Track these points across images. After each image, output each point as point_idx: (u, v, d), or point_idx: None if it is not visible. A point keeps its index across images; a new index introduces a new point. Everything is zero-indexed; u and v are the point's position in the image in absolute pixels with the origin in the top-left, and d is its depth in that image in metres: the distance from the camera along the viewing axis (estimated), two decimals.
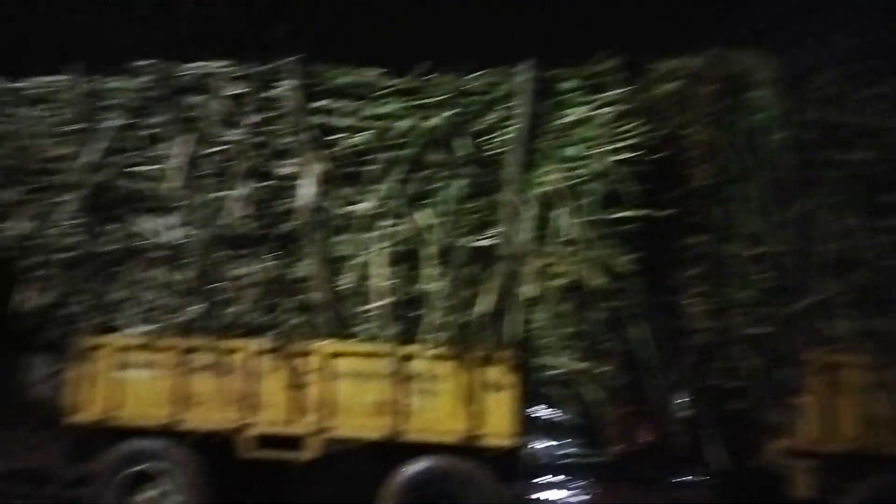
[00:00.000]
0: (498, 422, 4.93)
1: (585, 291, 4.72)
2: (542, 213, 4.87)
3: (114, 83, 5.68)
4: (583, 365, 4.70)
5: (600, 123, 4.91)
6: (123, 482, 5.42)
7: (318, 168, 5.22)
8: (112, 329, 5.58)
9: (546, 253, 4.82)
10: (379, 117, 5.16)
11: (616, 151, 4.84)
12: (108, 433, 5.51)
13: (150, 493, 5.44)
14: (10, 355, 6.23)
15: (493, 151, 5.09)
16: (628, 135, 4.87)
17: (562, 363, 4.75)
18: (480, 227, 5.04)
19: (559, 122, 4.98)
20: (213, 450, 5.38)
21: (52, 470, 5.86)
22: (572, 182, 4.82)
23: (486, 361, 4.95)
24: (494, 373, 4.95)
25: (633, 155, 4.83)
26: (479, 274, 5.01)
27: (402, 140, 5.11)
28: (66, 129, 5.69)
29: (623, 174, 4.81)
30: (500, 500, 4.99)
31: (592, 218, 4.78)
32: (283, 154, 5.36)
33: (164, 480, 5.42)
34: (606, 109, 4.93)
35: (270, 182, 5.37)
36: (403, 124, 5.10)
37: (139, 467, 5.44)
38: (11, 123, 5.83)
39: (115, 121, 5.59)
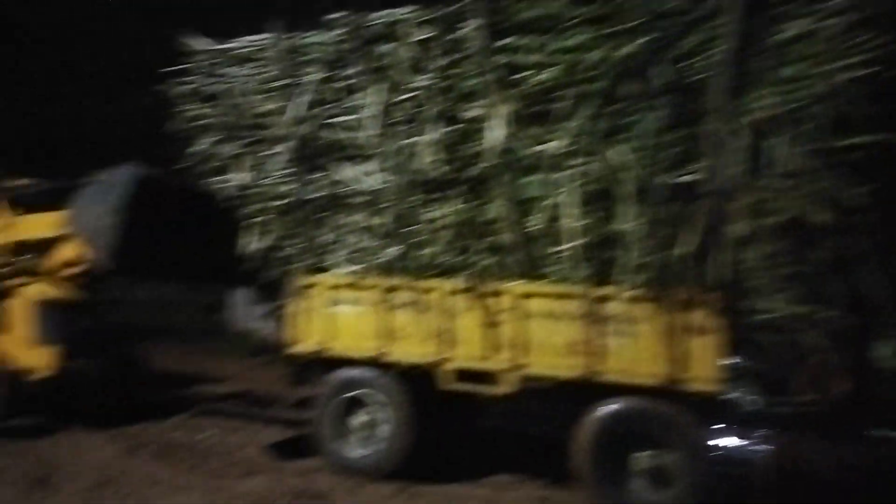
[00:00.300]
0: (702, 366, 4.71)
1: (807, 229, 4.25)
2: (755, 143, 4.41)
3: (311, 38, 5.94)
4: (804, 309, 4.29)
5: (826, 37, 4.28)
6: (339, 406, 6.00)
7: (505, 108, 5.13)
8: (323, 269, 6.06)
9: (759, 187, 4.39)
10: (567, 50, 4.91)
11: (845, 69, 4.20)
12: (324, 362, 6.10)
13: (363, 417, 5.97)
14: (235, 293, 6.91)
15: (696, 77, 4.65)
16: (860, 49, 4.20)
17: (778, 307, 4.37)
18: (681, 162, 4.70)
19: (775, 38, 4.40)
20: (417, 380, 5.75)
21: (275, 393, 6.65)
22: (792, 106, 4.29)
23: (689, 304, 4.71)
24: (698, 316, 4.70)
25: (865, 72, 4.17)
26: (680, 212, 4.70)
27: (592, 73, 4.84)
28: (273, 85, 6.11)
29: (853, 94, 4.19)
30: (702, 446, 4.82)
31: (816, 146, 4.24)
32: (470, 96, 5.34)
33: (374, 407, 5.91)
34: (833, 21, 4.27)
35: (459, 125, 5.40)
36: (594, 55, 4.82)
37: (352, 394, 5.98)
38: (224, 82, 6.36)
39: (314, 74, 5.89)
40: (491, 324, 5.43)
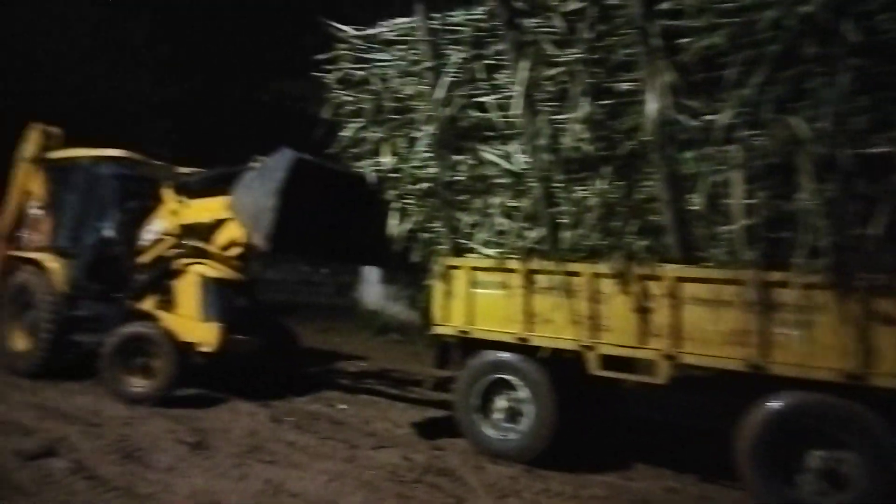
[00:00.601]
0: (891, 360, 4.18)
1: None
2: None
3: (456, 17, 5.86)
4: None
5: None
6: (482, 389, 5.97)
7: (663, 79, 4.78)
8: (467, 251, 6.03)
9: None
10: (739, 10, 4.47)
11: None
12: (466, 345, 6.08)
13: (505, 401, 5.89)
14: (366, 273, 7.10)
15: (891, 35, 4.08)
16: None
17: None
18: (871, 131, 4.15)
19: None
20: (561, 365, 5.58)
21: (408, 372, 6.73)
22: None
23: (879, 291, 4.18)
24: (888, 304, 4.16)
25: None
26: (869, 188, 4.17)
27: (767, 34, 4.37)
28: (418, 67, 6.11)
29: None
30: (889, 448, 4.27)
31: None
32: (624, 68, 5.02)
33: (517, 391, 5.82)
34: None
35: (611, 100, 5.10)
36: (770, 14, 4.35)
37: (495, 377, 5.91)
38: (372, 68, 6.45)
39: (459, 54, 5.81)
40: (643, 309, 5.15)
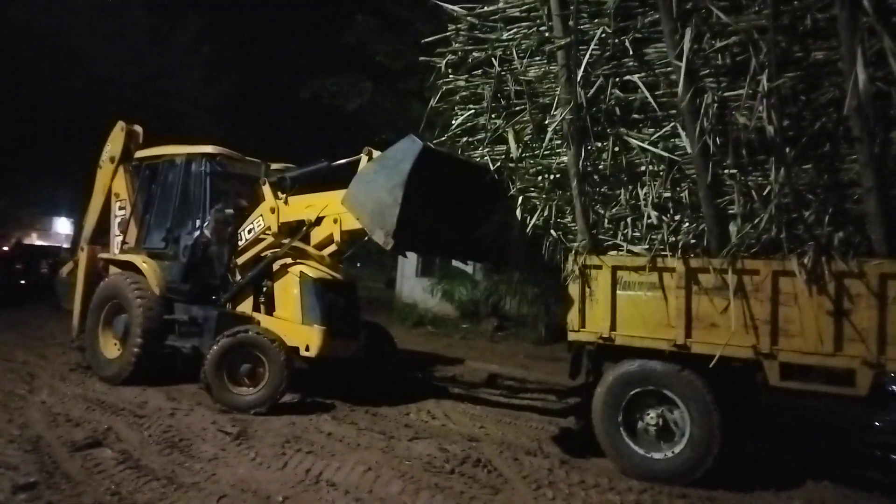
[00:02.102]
0: None
1: None
2: None
3: None
4: None
5: None
6: (629, 401, 5.31)
7: (871, 45, 4.10)
8: (609, 248, 5.38)
9: None
10: None
11: None
12: (609, 352, 5.43)
13: (658, 415, 5.24)
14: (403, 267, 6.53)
15: None
16: None
17: None
18: None
19: None
20: (725, 375, 4.91)
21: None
22: None
23: None
24: None
25: None
26: None
27: None
28: (548, 46, 5.48)
29: None
30: None
31: None
32: (817, 34, 4.34)
33: (673, 403, 5.16)
34: None
35: (799, 72, 4.43)
36: None
37: (646, 388, 5.25)
38: (490, 48, 5.84)
39: (599, 28, 5.17)
40: (838, 311, 4.46)
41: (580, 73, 5.17)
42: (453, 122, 6.08)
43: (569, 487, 4.79)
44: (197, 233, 7.32)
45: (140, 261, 7.54)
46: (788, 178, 4.52)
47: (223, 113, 14.62)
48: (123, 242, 8.06)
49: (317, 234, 6.88)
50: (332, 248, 7.02)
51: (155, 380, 7.15)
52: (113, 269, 7.99)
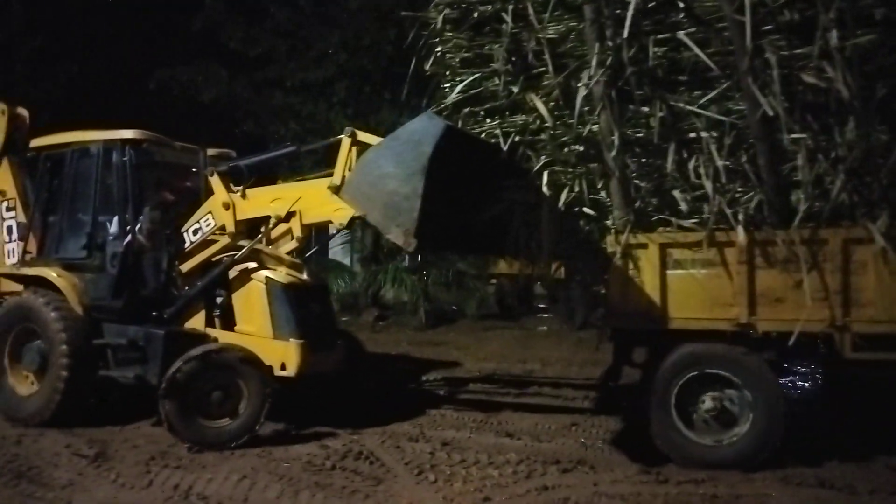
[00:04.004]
0: None
1: None
2: None
3: None
4: None
5: None
6: (684, 385, 4.69)
7: None
8: (656, 224, 4.71)
9: None
10: None
11: None
12: (658, 335, 4.78)
13: (716, 399, 4.64)
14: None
15: None
16: None
17: None
18: None
19: None
20: (788, 353, 4.48)
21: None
22: None
23: None
24: None
25: None
26: None
27: None
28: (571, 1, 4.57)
29: None
30: None
31: None
32: None
33: (733, 386, 4.61)
34: None
35: (867, 31, 3.99)
36: None
37: (703, 371, 4.66)
38: (500, 1, 4.83)
39: None
40: None
41: (626, 28, 4.38)
42: (446, 88, 5.14)
43: (450, 468, 4.71)
44: (128, 237, 5.68)
45: (54, 275, 5.81)
46: (862, 140, 4.03)
47: (59, 107, 11.73)
48: (24, 252, 6.24)
49: (285, 232, 5.67)
50: (291, 245, 5.77)
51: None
52: (7, 285, 6.25)
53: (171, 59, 14.54)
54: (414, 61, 5.33)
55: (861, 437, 5.04)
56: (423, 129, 4.30)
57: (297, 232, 5.53)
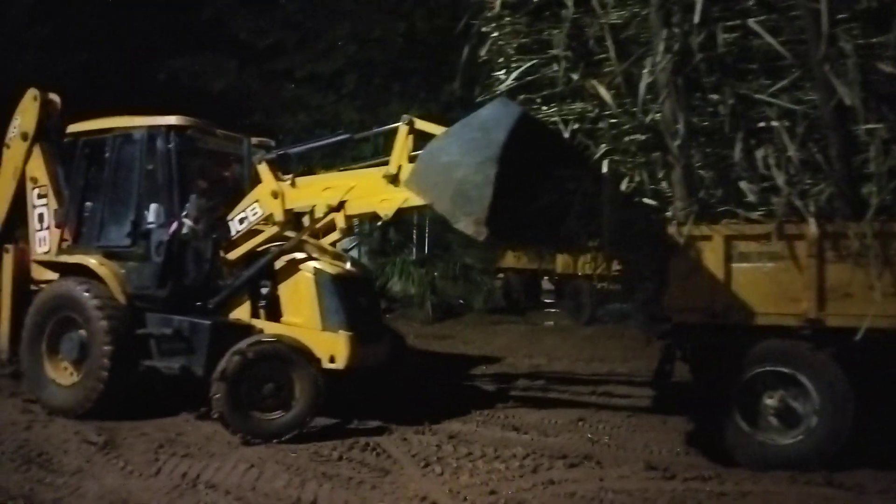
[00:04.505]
0: None
1: None
2: None
3: None
4: None
5: None
6: (745, 384, 4.54)
7: None
8: (720, 216, 4.53)
9: None
10: None
11: None
12: (718, 331, 4.61)
13: (779, 397, 4.50)
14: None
15: None
16: None
17: None
18: None
19: None
20: (859, 348, 4.27)
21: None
22: None
23: None
24: None
25: None
26: None
27: None
28: None
29: None
30: None
31: None
32: None
33: (798, 384, 4.47)
34: None
35: None
36: None
37: (766, 369, 4.52)
38: None
39: None
40: None
41: (696, 14, 4.21)
42: (501, 74, 4.93)
43: (457, 461, 4.67)
44: (173, 226, 5.43)
45: (95, 262, 5.56)
46: None
47: (68, 96, 11.43)
48: (61, 239, 5.96)
49: (333, 222, 5.36)
50: (334, 235, 5.55)
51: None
52: (42, 273, 5.99)
53: (181, 50, 14.35)
54: (466, 49, 5.12)
55: (871, 436, 4.83)
56: (496, 116, 4.13)
57: (341, 222, 5.31)
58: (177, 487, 4.16)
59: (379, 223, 5.38)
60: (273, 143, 6.23)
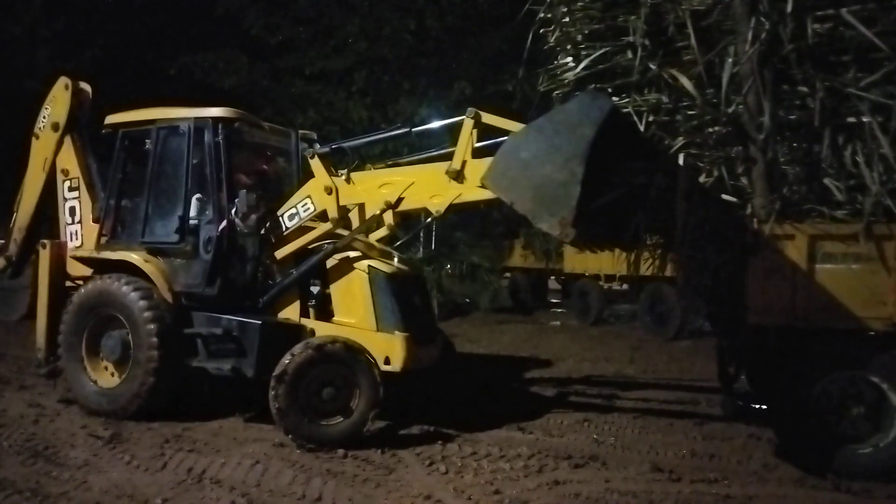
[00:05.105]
0: None
1: None
2: None
3: None
4: None
5: None
6: (822, 388, 4.39)
7: None
8: (806, 214, 4.33)
9: None
10: None
11: None
12: (799, 335, 4.39)
13: (860, 404, 4.34)
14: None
15: None
16: None
17: None
18: None
19: None
20: None
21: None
22: None
23: None
24: None
25: None
26: None
27: None
28: None
29: None
30: None
31: None
32: None
33: (877, 392, 4.30)
34: None
35: None
36: None
37: (846, 373, 4.36)
38: None
39: None
40: None
41: (789, 3, 3.99)
42: (569, 62, 4.67)
43: (461, 460, 4.65)
44: (223, 221, 5.15)
45: (141, 259, 5.27)
46: None
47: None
48: (100, 234, 5.65)
49: (358, 218, 5.20)
50: (381, 232, 5.32)
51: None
52: (78, 269, 5.67)
53: (192, 45, 14.22)
54: (531, 34, 4.85)
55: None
56: (583, 110, 3.89)
57: (389, 220, 5.05)
58: (182, 482, 4.13)
59: (428, 220, 5.10)
60: (315, 137, 5.99)
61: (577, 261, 14.02)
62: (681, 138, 4.47)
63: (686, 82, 4.36)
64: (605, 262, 12.97)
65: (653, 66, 4.47)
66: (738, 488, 4.15)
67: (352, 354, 4.73)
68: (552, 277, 16.20)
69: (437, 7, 13.69)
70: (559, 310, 16.23)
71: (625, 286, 13.25)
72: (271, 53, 14.36)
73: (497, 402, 6.11)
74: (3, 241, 6.16)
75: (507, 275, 16.76)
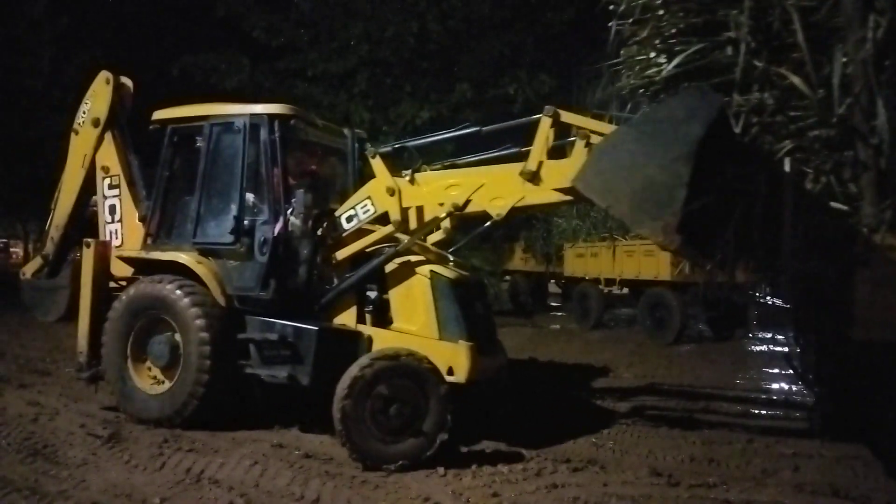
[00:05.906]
0: None
1: None
2: None
3: None
4: None
5: None
6: None
7: None
8: None
9: None
10: None
11: None
12: None
13: None
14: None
15: None
16: None
17: None
18: None
19: None
20: None
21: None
22: None
23: None
24: None
25: None
26: None
27: None
28: None
29: None
30: None
31: None
32: None
33: None
34: None
35: None
36: None
37: None
38: None
39: None
40: None
41: None
42: (661, 59, 4.35)
43: (460, 463, 4.50)
44: (279, 223, 4.81)
45: (192, 261, 4.90)
46: None
47: (82, 90, 11.49)
48: (147, 234, 5.30)
49: (413, 221, 4.90)
50: (437, 235, 5.04)
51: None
52: (121, 269, 5.37)
53: (194, 46, 13.96)
54: (614, 26, 4.52)
55: (877, 447, 4.64)
56: (689, 107, 3.55)
57: (446, 223, 4.73)
58: (181, 482, 4.08)
59: (488, 223, 4.69)
60: (365, 135, 5.68)
61: (576, 264, 14.01)
62: (787, 142, 4.09)
63: (798, 81, 3.99)
64: (605, 266, 13.03)
65: (758, 64, 4.08)
66: (737, 493, 4.06)
67: (426, 371, 4.29)
68: (552, 281, 16.15)
69: (439, 10, 13.70)
70: (559, 313, 16.19)
71: (625, 290, 13.23)
72: (273, 55, 14.34)
73: (496, 404, 6.08)
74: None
75: (508, 278, 16.71)
